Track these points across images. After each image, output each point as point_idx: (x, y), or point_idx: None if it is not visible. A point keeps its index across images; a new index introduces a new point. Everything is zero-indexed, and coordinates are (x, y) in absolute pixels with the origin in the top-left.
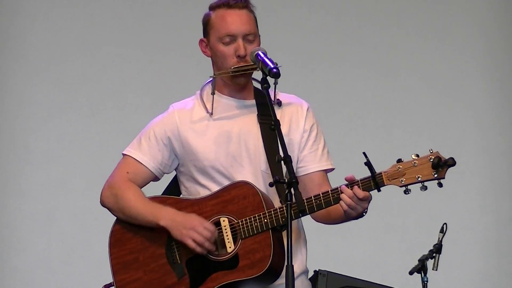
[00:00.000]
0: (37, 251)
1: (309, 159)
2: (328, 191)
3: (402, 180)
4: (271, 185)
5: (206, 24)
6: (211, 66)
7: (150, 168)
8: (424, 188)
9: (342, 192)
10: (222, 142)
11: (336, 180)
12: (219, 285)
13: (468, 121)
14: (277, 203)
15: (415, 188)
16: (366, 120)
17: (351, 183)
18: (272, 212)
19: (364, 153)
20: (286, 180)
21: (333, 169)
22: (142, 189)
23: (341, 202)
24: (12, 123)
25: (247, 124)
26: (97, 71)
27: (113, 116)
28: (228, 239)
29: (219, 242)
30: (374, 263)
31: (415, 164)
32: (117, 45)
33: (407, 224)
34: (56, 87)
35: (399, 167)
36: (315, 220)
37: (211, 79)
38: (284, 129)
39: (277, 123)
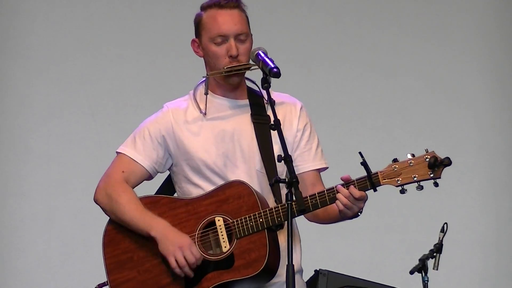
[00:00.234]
0: (37, 251)
1: (303, 158)
2: (324, 191)
3: (398, 180)
4: (272, 184)
5: (198, 24)
6: (204, 66)
7: (145, 167)
8: (420, 187)
9: (338, 192)
10: (216, 142)
11: (334, 180)
12: (215, 285)
13: (468, 121)
14: (271, 203)
15: (413, 188)
16: (366, 120)
17: (347, 183)
18: (268, 212)
19: (360, 153)
20: (286, 180)
21: (327, 168)
22: (136, 187)
23: (337, 202)
24: (12, 123)
25: (241, 124)
26: (97, 71)
27: (113, 116)
28: (223, 239)
29: (214, 242)
30: (374, 263)
31: (411, 164)
32: (117, 45)
33: (407, 223)
34: (56, 87)
35: (395, 167)
36: (309, 220)
37: (204, 79)
38: None
39: (278, 123)
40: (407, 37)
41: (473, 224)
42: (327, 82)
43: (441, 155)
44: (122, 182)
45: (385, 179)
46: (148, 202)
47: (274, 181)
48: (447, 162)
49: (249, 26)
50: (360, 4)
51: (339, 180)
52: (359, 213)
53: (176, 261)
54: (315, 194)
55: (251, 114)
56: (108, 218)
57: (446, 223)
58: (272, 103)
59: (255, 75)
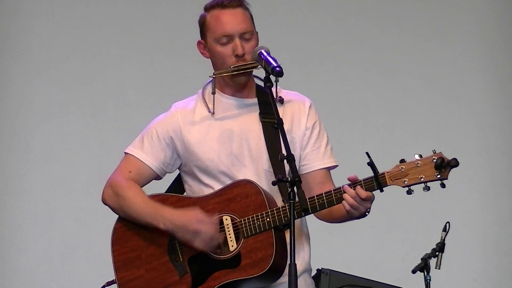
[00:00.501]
0: (38, 250)
1: (312, 157)
2: (331, 191)
3: (405, 181)
4: (274, 184)
5: (202, 25)
6: (211, 66)
7: (153, 168)
8: (427, 188)
9: (344, 192)
10: (224, 142)
11: (339, 180)
12: (221, 284)
13: (469, 121)
14: (279, 202)
15: (417, 188)
16: (367, 120)
17: (353, 183)
18: (275, 211)
19: (367, 153)
20: (289, 179)
21: (337, 166)
22: (145, 186)
23: (343, 202)
24: (13, 122)
25: (249, 123)
26: (98, 70)
27: (114, 115)
28: (230, 237)
29: (221, 241)
30: (376, 262)
31: (418, 165)
32: (118, 45)
33: (409, 223)
34: (57, 86)
35: (402, 168)
36: (318, 218)
37: (212, 79)
38: (286, 126)
39: (280, 122)
40: (408, 37)
41: (475, 223)
42: (328, 81)
43: (445, 155)
44: (128, 180)
45: (392, 180)
46: (156, 200)
47: (276, 181)
48: (454, 163)
49: (253, 24)
50: (361, 4)
51: (341, 178)
52: (367, 213)
53: (200, 242)
54: (322, 194)
55: (259, 113)
56: (117, 217)
57: (448, 222)
58: (275, 102)
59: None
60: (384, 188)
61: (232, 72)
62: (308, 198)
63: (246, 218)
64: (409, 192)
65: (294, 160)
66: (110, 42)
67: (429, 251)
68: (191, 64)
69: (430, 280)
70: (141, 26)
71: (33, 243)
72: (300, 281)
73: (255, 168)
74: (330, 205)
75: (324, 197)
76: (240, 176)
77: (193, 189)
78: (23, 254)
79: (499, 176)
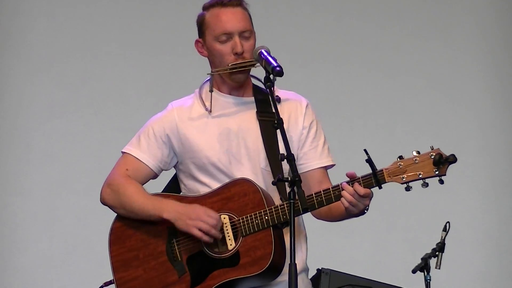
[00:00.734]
0: (39, 250)
1: (309, 156)
2: (329, 188)
3: (403, 177)
4: (274, 183)
5: (201, 24)
6: (209, 65)
7: (150, 166)
8: (425, 185)
9: (343, 189)
10: (221, 140)
11: (338, 179)
12: (220, 283)
13: (470, 120)
14: (277, 201)
15: (416, 187)
16: (368, 119)
17: (352, 180)
18: (273, 210)
19: (365, 150)
20: (289, 178)
21: (334, 165)
22: (142, 186)
23: (342, 199)
24: (13, 122)
25: (246, 121)
26: (99, 70)
27: (114, 115)
28: (229, 236)
29: (219, 240)
30: (377, 262)
31: (416, 161)
32: (119, 44)
33: (409, 222)
34: (58, 86)
35: (400, 164)
36: (317, 218)
37: (209, 77)
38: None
39: (281, 122)
40: (409, 36)
41: (475, 223)
42: (329, 81)
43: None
44: (126, 177)
45: (390, 176)
46: None
47: (276, 180)
48: (452, 159)
49: (252, 23)
50: (362, 4)
51: (341, 178)
52: (365, 211)
53: (200, 230)
54: (320, 191)
55: (256, 111)
56: (114, 216)
57: (448, 222)
58: (275, 101)
59: (258, 71)
60: (383, 185)
61: (231, 70)
62: (306, 196)
63: (244, 216)
64: (408, 188)
65: (295, 160)
66: (110, 42)
67: (429, 251)
68: (192, 64)
69: (430, 280)
70: (141, 26)
71: (34, 242)
72: (299, 281)
73: (252, 166)
74: (329, 203)
75: (323, 195)
76: (237, 174)
77: (189, 188)
78: (24, 254)
79: (500, 176)
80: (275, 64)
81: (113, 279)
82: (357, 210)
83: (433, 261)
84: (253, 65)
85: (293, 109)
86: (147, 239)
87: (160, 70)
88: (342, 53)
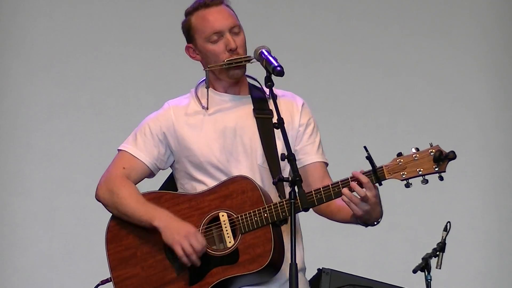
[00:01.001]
0: (39, 249)
1: (307, 151)
2: (329, 185)
3: (403, 174)
4: (274, 183)
5: (188, 30)
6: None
7: (146, 163)
8: (425, 181)
9: (343, 187)
10: (217, 137)
11: (336, 178)
12: (219, 280)
13: (470, 120)
14: (275, 198)
15: (417, 185)
16: (368, 119)
17: (352, 178)
18: (272, 207)
19: (365, 147)
20: (289, 178)
21: (327, 164)
22: (138, 184)
23: (342, 196)
24: (13, 121)
25: (243, 119)
26: (99, 69)
27: (115, 114)
28: (227, 234)
29: (218, 237)
30: (377, 262)
31: (416, 158)
32: (119, 43)
33: (410, 222)
34: (58, 85)
35: (400, 161)
36: (322, 215)
37: (204, 77)
38: None
39: (281, 121)
40: (410, 36)
41: (476, 223)
42: (330, 80)
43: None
44: (122, 177)
45: (390, 173)
46: (151, 198)
47: (277, 180)
48: (451, 155)
49: (238, 18)
50: (363, 3)
51: (339, 177)
52: (376, 223)
53: (183, 249)
54: (319, 188)
55: (253, 109)
56: (111, 215)
57: (449, 221)
58: (274, 99)
59: (255, 71)
60: (383, 183)
61: (228, 65)
62: (306, 193)
63: (243, 214)
64: (408, 185)
65: (295, 160)
66: (110, 42)
67: (430, 251)
68: (192, 64)
69: (431, 280)
70: (141, 26)
71: (34, 242)
72: None
73: (250, 164)
74: (329, 200)
75: (322, 192)
76: (235, 171)
77: (186, 187)
78: (25, 253)
79: (500, 176)
80: (276, 64)
81: (110, 277)
82: (361, 211)
83: (433, 261)
84: (248, 60)
85: (290, 107)
86: (144, 237)
87: (160, 70)
88: (342, 53)
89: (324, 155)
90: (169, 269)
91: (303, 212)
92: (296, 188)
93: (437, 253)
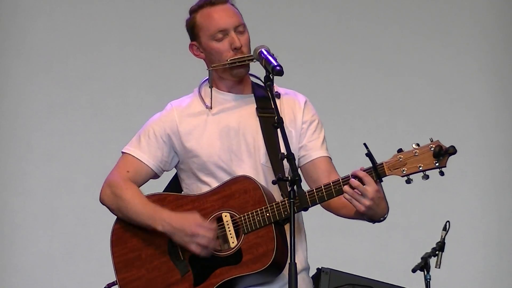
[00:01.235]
0: (39, 249)
1: (312, 146)
2: (330, 183)
3: (403, 170)
4: (274, 183)
5: (193, 27)
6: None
7: (150, 166)
8: (426, 177)
9: (344, 184)
10: (221, 137)
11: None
12: (223, 281)
13: (470, 120)
14: (277, 197)
15: (417, 186)
16: (368, 118)
17: (353, 175)
18: (274, 206)
19: (365, 144)
20: (289, 178)
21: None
22: (143, 186)
23: (344, 194)
24: (14, 121)
25: (246, 118)
26: (99, 69)
27: (115, 114)
28: (230, 234)
29: (222, 238)
30: (377, 261)
31: (416, 154)
32: (120, 43)
33: (410, 222)
34: (58, 85)
35: (400, 157)
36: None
37: (207, 77)
38: None
39: (281, 121)
40: (410, 35)
41: (475, 222)
42: (329, 80)
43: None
44: (126, 180)
45: (390, 170)
46: (154, 199)
47: (276, 180)
48: (452, 150)
49: (242, 17)
50: (363, 3)
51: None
52: (382, 219)
53: (198, 245)
54: (321, 186)
55: (256, 108)
56: (115, 217)
57: (448, 221)
58: (275, 100)
59: (257, 70)
60: (383, 181)
61: (230, 65)
62: (307, 191)
63: (245, 214)
64: (408, 181)
65: (295, 159)
66: (111, 41)
67: (429, 250)
68: (192, 63)
69: (430, 279)
70: (141, 26)
71: (34, 242)
72: (299, 280)
73: (253, 163)
74: (330, 198)
75: (323, 190)
76: (238, 171)
77: (191, 187)
78: (25, 253)
79: (500, 175)
80: (275, 63)
81: (116, 280)
82: (364, 207)
83: (433, 261)
84: (252, 60)
85: (292, 105)
86: (148, 239)
87: (160, 70)
88: (342, 52)
89: (328, 151)
90: (173, 271)
91: (303, 211)
92: (295, 187)
93: (437, 252)
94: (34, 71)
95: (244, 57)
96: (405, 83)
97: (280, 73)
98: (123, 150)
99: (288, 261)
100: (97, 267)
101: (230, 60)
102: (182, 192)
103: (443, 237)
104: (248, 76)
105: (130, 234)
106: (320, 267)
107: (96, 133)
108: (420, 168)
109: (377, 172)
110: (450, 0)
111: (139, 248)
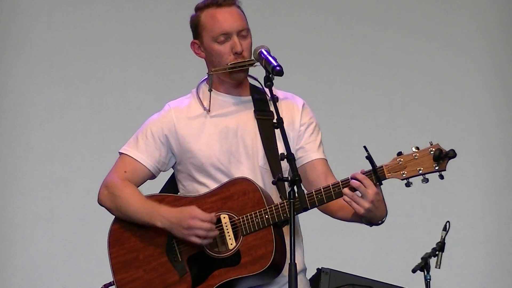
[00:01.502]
0: (39, 249)
1: (309, 148)
2: (329, 186)
3: (403, 173)
4: (274, 183)
5: (196, 25)
6: (206, 66)
7: (148, 167)
8: (426, 180)
9: (344, 187)
10: (219, 139)
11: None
12: (222, 282)
13: (470, 120)
14: (276, 199)
15: (417, 186)
16: (368, 118)
17: (353, 178)
18: (273, 208)
19: (364, 147)
20: (289, 178)
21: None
22: (140, 187)
23: (344, 196)
24: (14, 121)
25: (244, 120)
26: (99, 69)
27: (115, 114)
28: (229, 235)
29: (220, 239)
30: (377, 261)
31: (416, 157)
32: (119, 43)
33: (410, 222)
34: (58, 85)
35: (400, 160)
36: (330, 216)
37: (206, 77)
38: None
39: (281, 121)
40: (410, 36)
41: (475, 222)
42: (329, 80)
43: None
44: (124, 180)
45: (390, 173)
46: (153, 201)
47: (276, 179)
48: (452, 154)
49: (247, 21)
50: (363, 3)
51: (340, 177)
52: (380, 222)
53: (197, 237)
54: (320, 189)
55: (254, 110)
56: (113, 218)
57: (448, 221)
58: (274, 100)
59: (256, 71)
60: (383, 182)
61: (230, 69)
62: (307, 194)
63: (244, 215)
64: (408, 184)
65: (295, 159)
66: (111, 41)
67: (429, 250)
68: (193, 62)
69: (430, 279)
70: (141, 26)
71: (34, 242)
72: (298, 281)
73: (251, 165)
74: (329, 200)
75: (323, 192)
76: (237, 173)
77: (188, 188)
78: (25, 253)
79: (501, 175)
80: (275, 64)
81: (113, 281)
82: (363, 210)
83: (433, 261)
84: (252, 64)
85: (290, 108)
86: (146, 240)
87: (160, 70)
88: (342, 53)
89: (324, 154)
90: (171, 272)
91: (302, 212)
92: (295, 188)
93: (437, 252)
94: (34, 71)
95: (244, 61)
96: (405, 83)
97: (280, 73)
98: (121, 151)
99: (288, 261)
100: (97, 267)
101: (230, 64)
102: (179, 193)
103: (443, 237)
104: (247, 78)
105: (128, 235)
106: (320, 267)
107: (96, 133)
108: (420, 172)
109: (376, 175)
110: (450, 0)
111: (137, 249)
